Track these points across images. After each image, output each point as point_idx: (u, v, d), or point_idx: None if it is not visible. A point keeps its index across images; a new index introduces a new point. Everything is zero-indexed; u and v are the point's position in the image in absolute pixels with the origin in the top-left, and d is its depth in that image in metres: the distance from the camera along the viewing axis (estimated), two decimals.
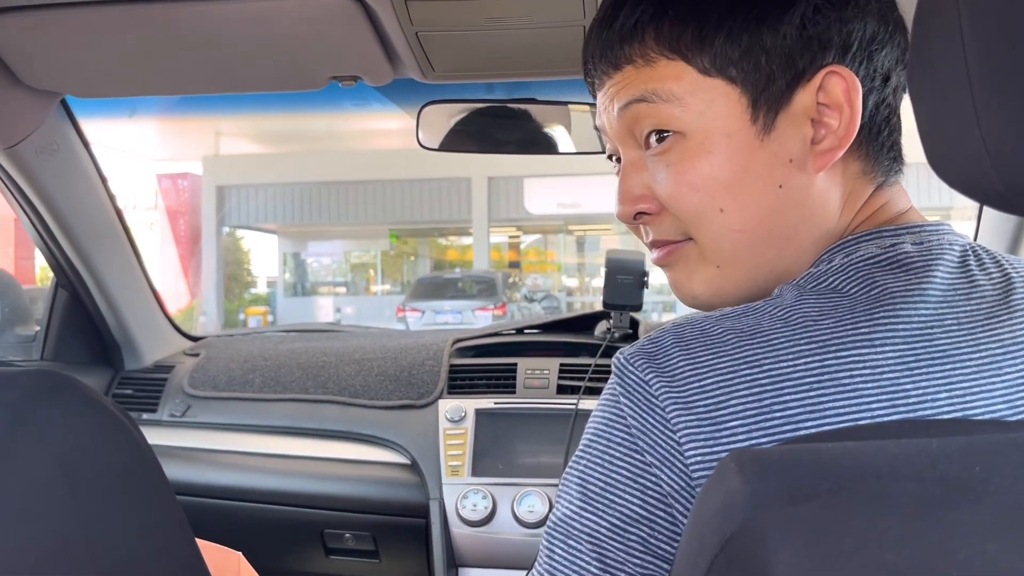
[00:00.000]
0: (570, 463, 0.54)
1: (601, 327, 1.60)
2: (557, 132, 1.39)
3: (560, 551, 0.52)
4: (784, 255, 0.59)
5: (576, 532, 0.52)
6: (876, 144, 0.60)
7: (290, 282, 18.16)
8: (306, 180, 15.59)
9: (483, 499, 1.34)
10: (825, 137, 0.57)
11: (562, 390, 1.45)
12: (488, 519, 1.34)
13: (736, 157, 0.56)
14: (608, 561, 0.50)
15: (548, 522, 0.54)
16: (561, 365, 1.49)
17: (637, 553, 0.50)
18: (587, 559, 0.51)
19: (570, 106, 1.36)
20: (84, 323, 1.62)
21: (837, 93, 0.56)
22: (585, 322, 1.65)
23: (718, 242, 0.59)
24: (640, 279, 1.47)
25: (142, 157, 13.54)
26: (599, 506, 0.51)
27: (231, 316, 15.47)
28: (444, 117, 1.32)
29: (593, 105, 1.38)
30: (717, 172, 0.57)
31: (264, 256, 18.23)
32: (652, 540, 0.50)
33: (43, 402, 0.39)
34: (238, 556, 1.01)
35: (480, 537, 1.34)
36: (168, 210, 15.17)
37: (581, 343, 1.56)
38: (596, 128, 1.51)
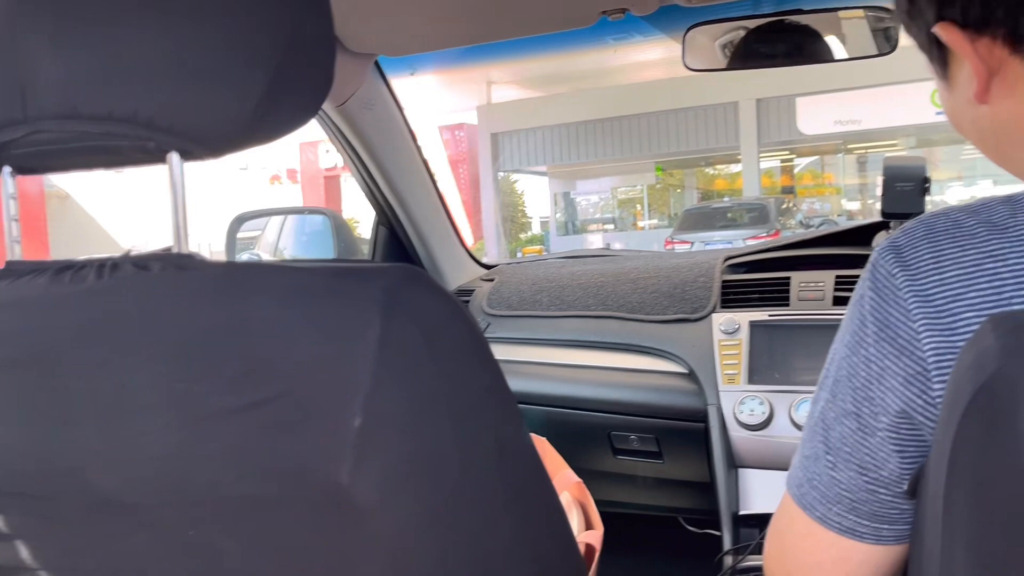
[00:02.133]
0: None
1: (879, 238, 1.56)
2: (828, 40, 1.36)
3: (813, 441, 0.58)
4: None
5: (826, 420, 0.57)
6: None
7: (561, 221, 18.79)
8: (572, 120, 15.91)
9: (760, 405, 1.40)
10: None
11: (838, 302, 1.44)
12: (766, 423, 1.39)
13: (945, 105, 0.66)
14: (859, 444, 0.55)
15: (807, 422, 0.60)
16: (837, 277, 1.48)
17: (879, 436, 0.54)
18: (822, 443, 0.57)
19: (840, 13, 1.33)
20: (400, 254, 1.89)
21: (951, 43, 0.58)
22: (862, 233, 1.60)
23: None
24: (921, 185, 1.39)
25: (425, 111, 14.64)
26: (847, 392, 0.55)
27: (510, 255, 16.40)
28: (709, 38, 1.36)
29: (867, 8, 1.34)
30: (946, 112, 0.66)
31: (536, 197, 19.00)
32: (896, 428, 0.53)
33: (410, 286, 0.50)
34: (543, 439, 1.17)
35: (758, 440, 1.40)
36: (449, 159, 16.30)
37: (859, 255, 1.53)
38: (874, 32, 1.44)
